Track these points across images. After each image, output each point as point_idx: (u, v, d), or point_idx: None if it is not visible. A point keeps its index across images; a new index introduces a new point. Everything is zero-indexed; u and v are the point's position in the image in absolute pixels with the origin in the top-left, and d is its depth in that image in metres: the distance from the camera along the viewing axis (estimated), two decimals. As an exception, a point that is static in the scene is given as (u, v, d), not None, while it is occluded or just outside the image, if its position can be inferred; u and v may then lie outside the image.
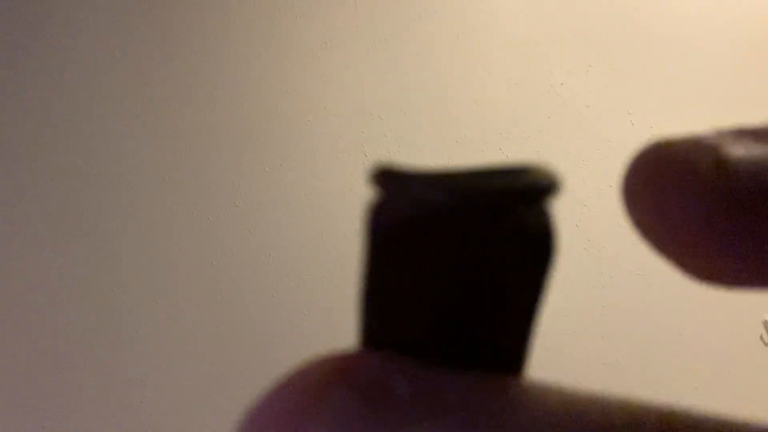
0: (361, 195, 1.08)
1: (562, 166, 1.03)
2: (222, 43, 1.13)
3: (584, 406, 0.10)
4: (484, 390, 0.10)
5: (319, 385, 0.10)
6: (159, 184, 1.12)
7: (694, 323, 0.98)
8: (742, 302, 0.97)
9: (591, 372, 1.01)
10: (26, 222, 1.14)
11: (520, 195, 0.11)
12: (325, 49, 1.10)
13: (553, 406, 0.10)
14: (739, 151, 0.12)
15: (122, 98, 1.14)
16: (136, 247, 1.11)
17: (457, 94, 1.06)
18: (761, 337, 0.96)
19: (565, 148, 1.01)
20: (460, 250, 0.11)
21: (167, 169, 1.12)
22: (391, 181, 0.11)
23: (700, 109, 1.00)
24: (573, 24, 1.04)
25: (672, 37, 1.02)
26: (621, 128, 1.01)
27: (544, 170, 0.11)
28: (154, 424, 1.10)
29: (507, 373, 0.11)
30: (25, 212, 1.13)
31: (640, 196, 0.12)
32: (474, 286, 0.11)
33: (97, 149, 1.14)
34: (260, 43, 1.12)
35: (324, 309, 1.08)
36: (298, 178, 1.09)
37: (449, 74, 1.06)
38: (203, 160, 1.11)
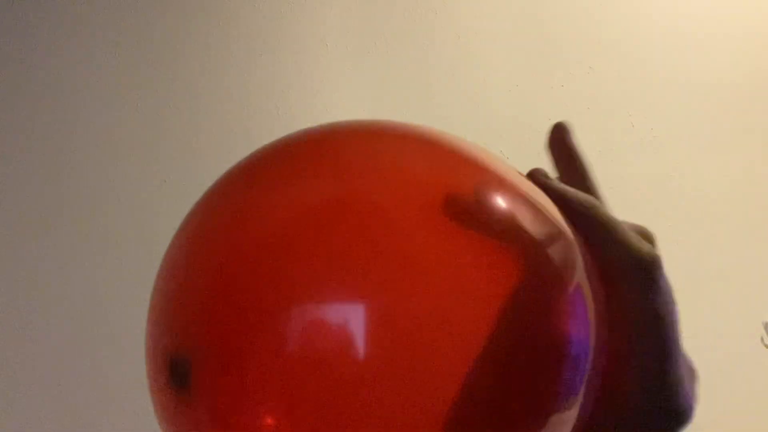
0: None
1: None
2: (223, 43, 1.13)
3: None
4: None
5: None
6: (159, 184, 1.12)
7: (695, 324, 0.98)
8: (742, 303, 0.97)
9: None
10: (26, 219, 1.14)
11: None
12: (325, 49, 1.10)
13: None
14: None
15: (123, 98, 1.14)
16: (137, 248, 1.11)
17: (457, 94, 1.06)
18: (761, 339, 0.96)
19: (566, 148, 1.01)
20: None
21: (167, 168, 1.12)
22: None
23: (700, 109, 1.00)
24: (573, 25, 1.04)
25: (672, 38, 1.02)
26: (622, 129, 1.01)
27: None
28: (149, 421, 1.10)
29: None
30: (25, 211, 1.13)
31: None
32: None
33: (98, 148, 1.13)
34: (261, 43, 1.12)
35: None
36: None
37: (449, 74, 1.06)
38: (204, 160, 1.11)
